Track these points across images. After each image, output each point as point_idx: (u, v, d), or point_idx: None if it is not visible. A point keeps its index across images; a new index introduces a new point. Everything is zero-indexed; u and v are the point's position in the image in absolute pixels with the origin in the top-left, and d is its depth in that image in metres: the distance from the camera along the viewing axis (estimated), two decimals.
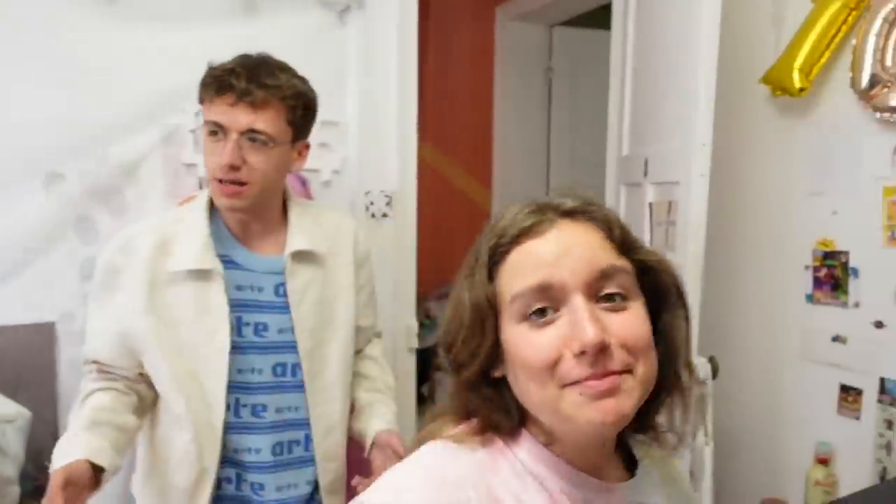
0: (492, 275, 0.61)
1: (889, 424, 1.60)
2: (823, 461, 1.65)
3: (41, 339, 1.45)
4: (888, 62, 1.52)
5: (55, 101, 1.45)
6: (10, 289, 1.46)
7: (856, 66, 1.56)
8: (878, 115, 1.54)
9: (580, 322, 0.55)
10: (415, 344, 1.92)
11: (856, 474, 1.61)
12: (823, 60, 1.61)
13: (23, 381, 1.28)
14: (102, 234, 1.51)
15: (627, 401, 0.55)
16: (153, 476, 1.19)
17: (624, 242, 0.61)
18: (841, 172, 1.65)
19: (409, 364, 1.92)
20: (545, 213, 0.60)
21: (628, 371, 0.56)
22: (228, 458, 1.18)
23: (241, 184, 1.12)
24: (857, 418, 1.64)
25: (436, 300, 3.60)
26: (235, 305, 1.16)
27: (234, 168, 1.10)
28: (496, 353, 0.61)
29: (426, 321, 3.61)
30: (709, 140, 1.41)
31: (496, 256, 0.61)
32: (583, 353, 0.54)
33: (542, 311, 0.57)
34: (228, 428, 1.17)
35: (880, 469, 1.60)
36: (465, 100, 3.34)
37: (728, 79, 1.73)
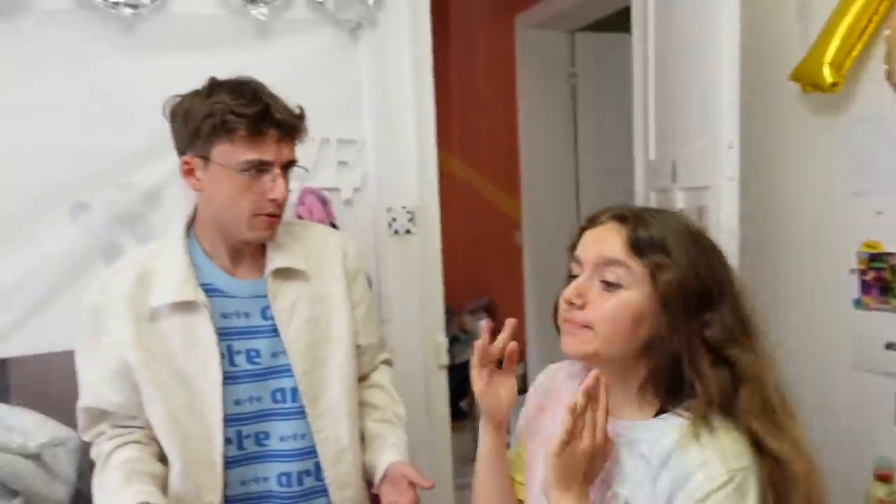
0: (575, 244, 0.90)
1: None
2: (884, 477, 1.54)
3: None
4: None
5: (78, 130, 1.48)
6: (52, 315, 1.48)
7: (891, 58, 1.48)
8: None
9: (574, 285, 0.85)
10: (445, 361, 1.88)
11: None
12: (855, 53, 1.53)
13: (67, 406, 1.32)
14: None
15: (580, 346, 0.84)
16: None
17: (638, 247, 0.82)
18: (883, 170, 1.56)
19: (441, 381, 1.89)
20: (604, 215, 0.88)
21: (588, 327, 0.83)
22: (234, 497, 1.15)
23: (279, 215, 1.15)
24: None
25: (470, 314, 3.57)
26: (224, 334, 1.13)
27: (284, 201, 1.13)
28: None
29: (462, 335, 3.57)
30: (736, 141, 1.35)
31: (579, 232, 0.90)
32: (564, 300, 0.85)
33: (573, 277, 0.86)
34: (231, 462, 1.14)
35: None
36: (490, 111, 3.32)
37: (755, 77, 1.65)
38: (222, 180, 1.10)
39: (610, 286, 0.82)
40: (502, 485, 0.97)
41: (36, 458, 1.29)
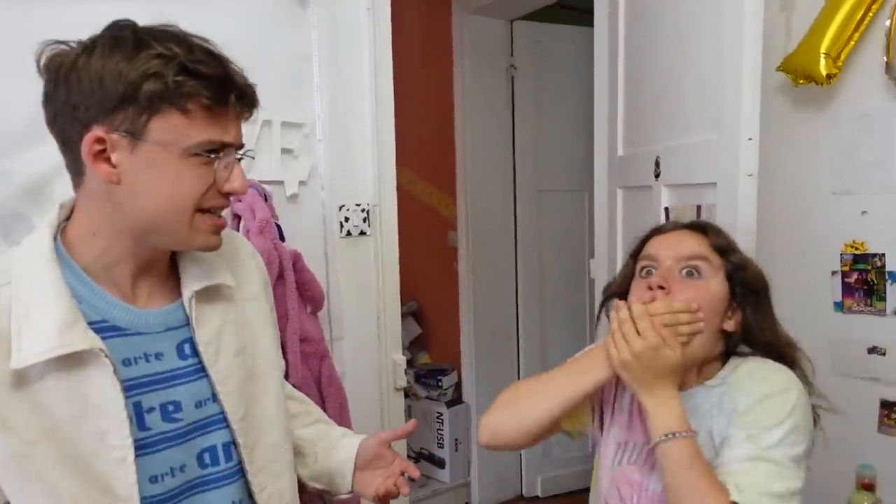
0: (639, 251, 1.06)
1: None
2: (867, 486, 1.48)
3: None
4: None
5: None
6: None
7: (891, 51, 1.41)
8: None
9: (657, 273, 1.00)
10: (403, 382, 1.64)
11: None
12: (853, 44, 1.45)
13: None
14: None
15: None
16: None
17: (718, 247, 1.01)
18: (871, 168, 1.50)
19: (398, 405, 1.65)
20: (674, 225, 1.09)
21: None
22: None
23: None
24: None
25: None
26: (129, 388, 0.81)
27: None
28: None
29: None
30: (755, 133, 1.22)
31: (642, 243, 1.07)
32: (648, 287, 0.99)
33: (649, 272, 1.01)
34: None
35: None
36: (424, 101, 3.08)
37: None
38: (162, 167, 0.77)
39: (692, 276, 0.98)
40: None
41: None
